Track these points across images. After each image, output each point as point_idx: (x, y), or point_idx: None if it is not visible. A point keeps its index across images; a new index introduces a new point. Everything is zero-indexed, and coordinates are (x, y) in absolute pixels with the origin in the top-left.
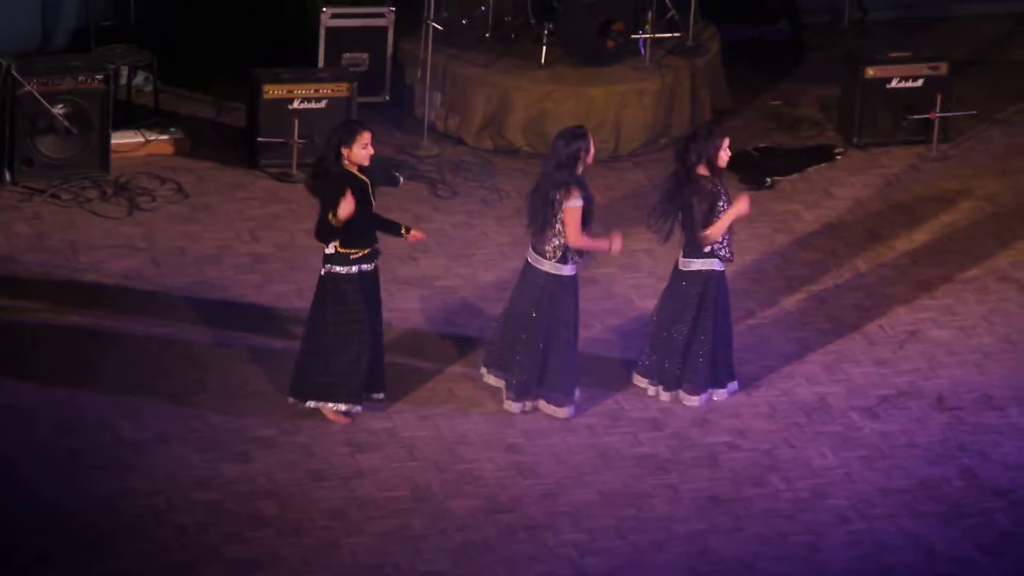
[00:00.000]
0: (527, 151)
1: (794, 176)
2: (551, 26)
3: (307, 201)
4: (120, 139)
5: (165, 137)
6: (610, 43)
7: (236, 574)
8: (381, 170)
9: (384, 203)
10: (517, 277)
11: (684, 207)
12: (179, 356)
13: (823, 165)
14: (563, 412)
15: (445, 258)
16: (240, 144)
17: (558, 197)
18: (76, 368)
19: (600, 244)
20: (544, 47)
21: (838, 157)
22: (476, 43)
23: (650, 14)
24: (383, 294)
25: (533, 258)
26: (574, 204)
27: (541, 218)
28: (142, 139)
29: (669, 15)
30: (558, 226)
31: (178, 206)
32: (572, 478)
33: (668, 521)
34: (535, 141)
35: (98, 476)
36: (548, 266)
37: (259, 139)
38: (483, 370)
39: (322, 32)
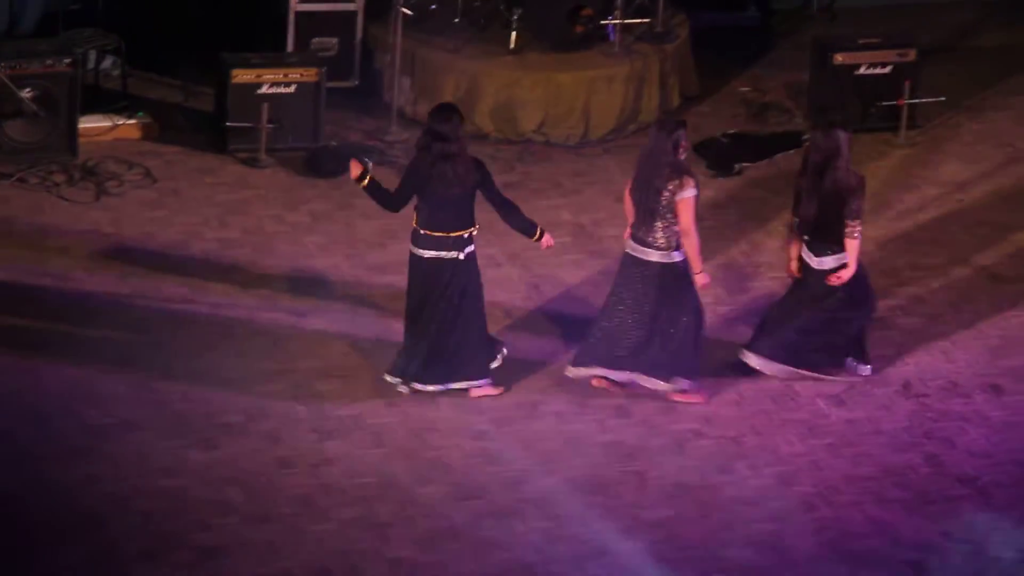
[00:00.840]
0: (496, 136)
1: (762, 163)
2: (520, 12)
3: (276, 186)
4: (88, 123)
5: (133, 121)
6: (579, 29)
7: (202, 561)
8: (349, 155)
9: (352, 189)
10: (617, 273)
11: (836, 202)
12: (145, 342)
13: (791, 152)
14: (667, 386)
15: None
16: (208, 129)
17: (670, 188)
18: (41, 354)
19: (697, 259)
20: (513, 32)
21: (805, 144)
22: (446, 28)
23: (619, 0)
24: (355, 280)
25: (639, 250)
26: (689, 194)
27: (648, 209)
28: (110, 123)
29: (638, 1)
30: (668, 216)
31: (146, 191)
32: (539, 465)
33: (635, 508)
34: (504, 127)
35: (63, 463)
36: (657, 255)
37: (227, 124)
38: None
39: (291, 16)
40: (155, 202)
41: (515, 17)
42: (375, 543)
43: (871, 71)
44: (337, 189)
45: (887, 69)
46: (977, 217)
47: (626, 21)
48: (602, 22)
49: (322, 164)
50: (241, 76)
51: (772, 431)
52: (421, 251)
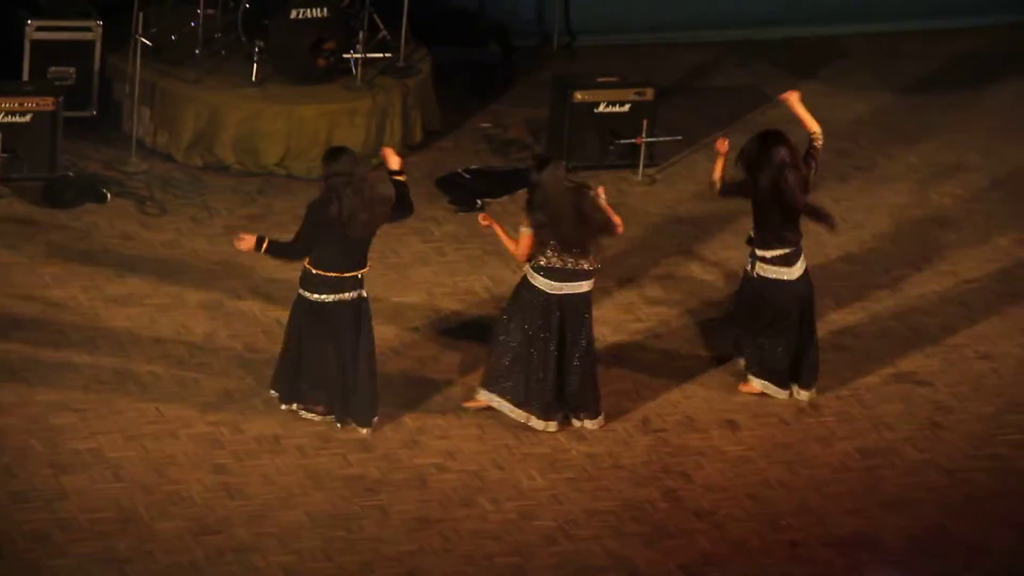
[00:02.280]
0: (237, 168)
1: (504, 198)
2: (262, 44)
3: (11, 217)
4: None
5: None
6: (321, 62)
7: None
8: (87, 186)
9: (91, 220)
10: (583, 312)
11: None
12: None
13: None
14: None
15: (153, 276)
16: None
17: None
18: None
19: None
20: (255, 64)
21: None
22: (186, 59)
23: (361, 34)
24: (93, 312)
25: (587, 285)
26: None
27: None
28: None
29: (380, 35)
30: None
31: None
32: (281, 499)
33: (377, 543)
34: (245, 159)
35: None
36: (589, 283)
37: None
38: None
39: (27, 45)
40: None
41: (256, 49)
42: None
43: (610, 109)
44: (76, 220)
45: (626, 108)
46: (714, 253)
47: (368, 55)
48: (344, 56)
49: (59, 194)
50: None
51: (514, 465)
52: (319, 296)
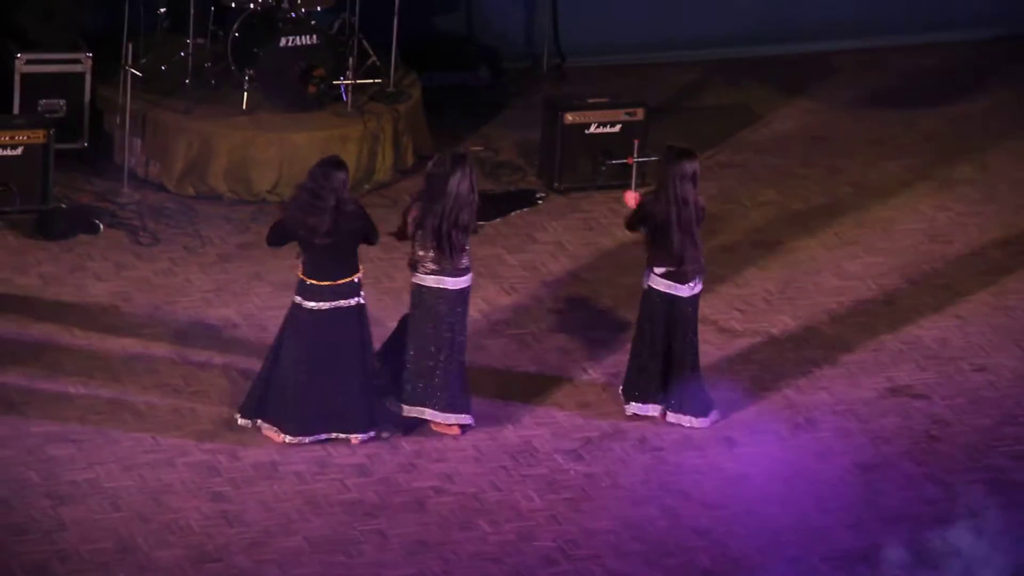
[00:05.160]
0: (230, 197)
1: (497, 220)
2: (252, 72)
3: (5, 249)
4: None
5: None
6: (311, 89)
7: None
8: (80, 217)
9: (84, 251)
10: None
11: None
12: None
13: (526, 210)
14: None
15: (148, 307)
16: None
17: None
18: None
19: None
20: (245, 93)
21: (540, 202)
22: (176, 89)
23: (351, 60)
24: (88, 343)
25: (451, 282)
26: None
27: (456, 244)
28: None
29: (370, 61)
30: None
31: None
32: (280, 526)
33: (377, 567)
34: (238, 187)
35: None
36: (465, 280)
37: None
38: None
39: (17, 78)
40: None
41: (247, 78)
42: None
43: (601, 130)
44: (68, 252)
45: (616, 128)
46: (709, 272)
47: (358, 81)
48: (335, 82)
49: (52, 226)
50: None
51: (512, 487)
52: (312, 303)
